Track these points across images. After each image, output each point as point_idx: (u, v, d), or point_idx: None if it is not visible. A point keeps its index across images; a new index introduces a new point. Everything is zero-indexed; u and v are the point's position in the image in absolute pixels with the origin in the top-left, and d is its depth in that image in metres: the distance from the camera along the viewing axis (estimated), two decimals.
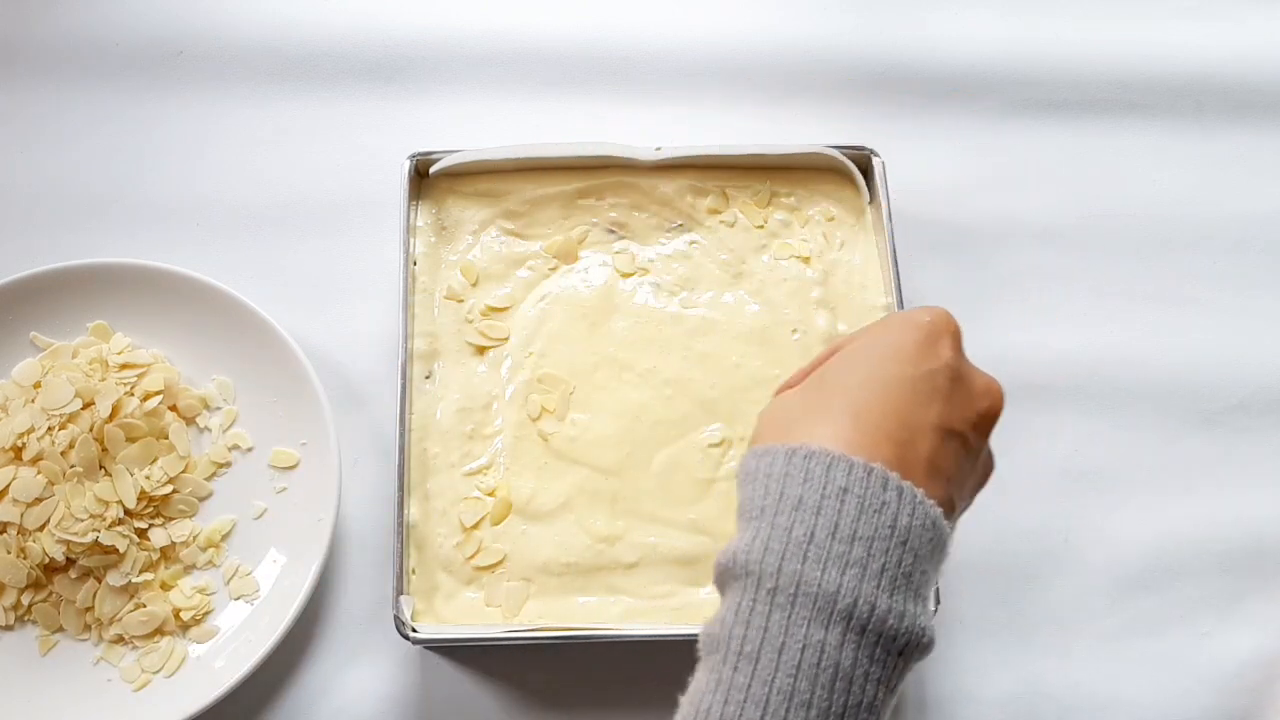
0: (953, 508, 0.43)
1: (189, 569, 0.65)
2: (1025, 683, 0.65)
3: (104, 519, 0.63)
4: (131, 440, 0.65)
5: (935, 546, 0.41)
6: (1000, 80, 0.80)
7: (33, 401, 0.65)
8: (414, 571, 0.63)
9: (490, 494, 0.65)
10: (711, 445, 0.66)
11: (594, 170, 0.72)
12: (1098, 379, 0.72)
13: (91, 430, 0.64)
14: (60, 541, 0.62)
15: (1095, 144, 0.79)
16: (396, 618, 0.60)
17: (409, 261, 0.68)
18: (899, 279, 0.68)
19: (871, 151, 0.71)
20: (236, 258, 0.73)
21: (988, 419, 0.45)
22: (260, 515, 0.66)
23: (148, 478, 0.65)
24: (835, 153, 0.71)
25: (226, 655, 0.63)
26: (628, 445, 0.66)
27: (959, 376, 0.45)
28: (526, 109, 0.78)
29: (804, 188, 0.73)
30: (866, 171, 0.71)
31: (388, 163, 0.71)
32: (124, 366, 0.67)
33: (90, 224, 0.74)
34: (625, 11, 0.82)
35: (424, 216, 0.71)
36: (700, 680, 0.39)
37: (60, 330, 0.69)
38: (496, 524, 0.64)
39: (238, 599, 0.64)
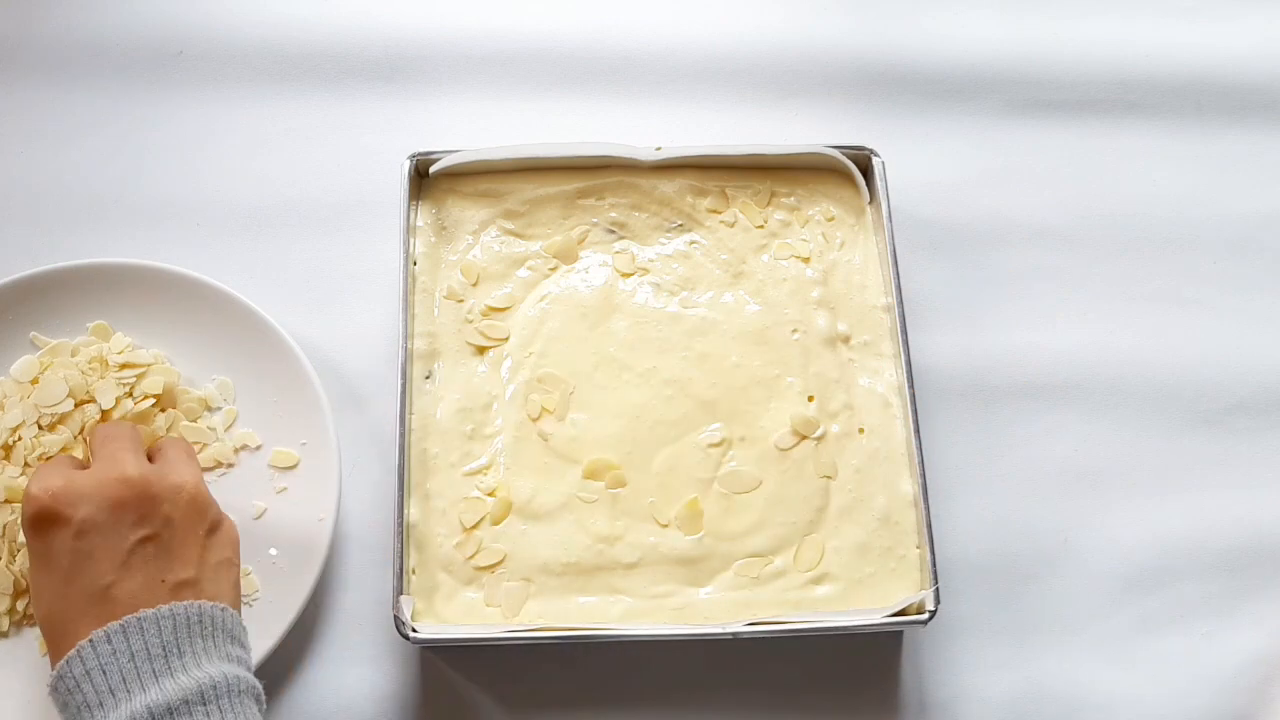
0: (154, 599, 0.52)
1: None
2: (1026, 683, 0.65)
3: None
4: None
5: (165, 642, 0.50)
6: (1000, 80, 0.80)
7: (27, 398, 0.65)
8: (414, 571, 0.63)
9: (490, 494, 0.65)
10: (711, 445, 0.66)
11: (594, 170, 0.72)
12: (1097, 379, 0.72)
13: (84, 431, 0.64)
14: None
15: (1095, 144, 0.79)
16: (396, 618, 0.60)
17: (409, 261, 0.68)
18: (899, 279, 0.68)
19: (871, 151, 0.71)
20: (237, 257, 0.73)
21: (144, 508, 0.54)
22: (260, 515, 0.66)
23: None
24: (835, 152, 0.71)
25: None
26: (628, 445, 0.66)
27: (87, 526, 0.53)
28: (526, 109, 0.78)
29: (804, 187, 0.73)
30: (866, 171, 0.71)
31: (388, 162, 0.71)
32: (124, 366, 0.67)
33: (91, 224, 0.74)
34: (625, 11, 0.82)
35: (424, 216, 0.71)
36: None
37: (60, 330, 0.69)
38: (496, 524, 0.64)
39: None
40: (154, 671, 0.49)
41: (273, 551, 0.65)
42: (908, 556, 0.64)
